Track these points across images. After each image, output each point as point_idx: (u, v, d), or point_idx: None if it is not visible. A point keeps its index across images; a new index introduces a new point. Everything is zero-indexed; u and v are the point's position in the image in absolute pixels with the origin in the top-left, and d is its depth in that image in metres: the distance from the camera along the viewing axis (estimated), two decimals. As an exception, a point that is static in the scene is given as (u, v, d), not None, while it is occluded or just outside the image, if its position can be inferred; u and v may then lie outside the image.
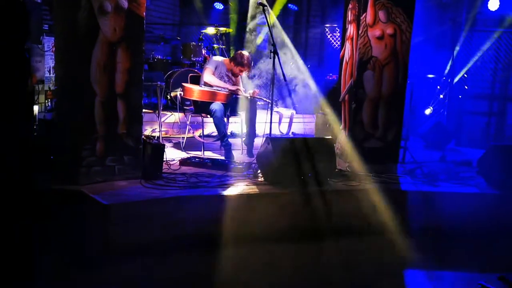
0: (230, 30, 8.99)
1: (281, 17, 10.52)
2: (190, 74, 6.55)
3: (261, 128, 5.80)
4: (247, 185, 4.52)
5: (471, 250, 4.42)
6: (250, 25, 8.80)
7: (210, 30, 8.55)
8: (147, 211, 3.93)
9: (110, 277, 3.49)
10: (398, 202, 4.64)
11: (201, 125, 6.18)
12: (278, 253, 4.06)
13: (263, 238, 4.17)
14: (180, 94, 6.18)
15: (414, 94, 6.33)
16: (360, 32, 5.15)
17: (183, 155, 5.68)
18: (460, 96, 7.97)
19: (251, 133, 5.94)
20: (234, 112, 6.12)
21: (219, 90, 5.71)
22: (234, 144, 5.97)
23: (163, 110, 6.54)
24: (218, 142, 5.96)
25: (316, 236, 4.29)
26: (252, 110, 5.92)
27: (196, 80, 6.23)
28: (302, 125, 7.77)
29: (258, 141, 5.58)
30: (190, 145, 6.17)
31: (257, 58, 8.77)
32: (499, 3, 7.80)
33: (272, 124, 5.15)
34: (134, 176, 4.42)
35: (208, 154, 5.90)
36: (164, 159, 4.78)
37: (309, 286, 3.61)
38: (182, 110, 6.55)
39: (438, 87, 7.86)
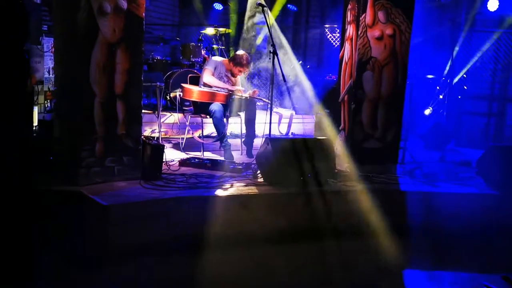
0: (230, 31, 8.99)
1: (281, 18, 10.52)
2: (190, 75, 6.55)
3: (261, 128, 5.80)
4: (246, 185, 4.52)
5: (470, 250, 4.42)
6: (248, 24, 8.80)
7: (210, 31, 8.54)
8: (147, 212, 3.93)
9: (110, 278, 3.50)
10: (398, 203, 4.65)
11: (201, 126, 6.18)
12: (278, 254, 4.06)
13: (262, 239, 4.17)
14: (180, 94, 6.18)
15: (413, 95, 6.33)
16: (359, 32, 5.15)
17: (183, 155, 5.68)
18: (459, 97, 7.97)
19: (251, 134, 5.94)
20: (233, 113, 6.12)
21: (219, 91, 5.71)
22: (233, 144, 5.96)
23: (162, 110, 6.54)
24: (218, 143, 5.96)
25: (316, 237, 4.29)
26: (251, 111, 5.92)
27: (196, 81, 6.22)
28: (301, 126, 7.77)
29: (258, 142, 5.58)
30: (190, 145, 6.17)
31: (257, 58, 8.79)
32: (498, 4, 7.80)
33: (272, 124, 5.15)
34: (133, 176, 4.42)
35: (208, 154, 5.90)
36: (164, 160, 4.78)
37: (310, 286, 3.61)
38: (181, 110, 6.55)
39: (438, 87, 7.86)
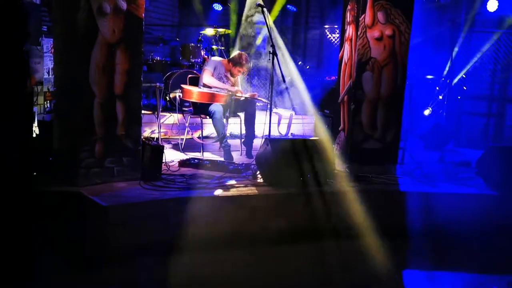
0: (229, 31, 8.99)
1: (280, 18, 10.53)
2: (189, 76, 6.55)
3: (260, 129, 5.80)
4: (246, 186, 4.52)
5: (470, 250, 4.43)
6: (246, 25, 8.80)
7: (209, 31, 8.54)
8: (146, 213, 3.93)
9: (109, 278, 3.50)
10: (397, 203, 4.65)
11: (200, 126, 6.18)
12: (278, 254, 4.06)
13: (262, 239, 4.17)
14: (179, 95, 6.17)
15: (413, 95, 6.33)
16: (359, 33, 5.15)
17: (182, 156, 5.68)
18: (459, 97, 7.97)
19: (250, 134, 5.95)
20: (233, 113, 6.12)
21: (218, 92, 5.71)
22: (233, 145, 5.96)
23: (162, 111, 6.54)
24: (217, 143, 5.96)
25: (316, 237, 4.29)
26: (251, 111, 5.92)
27: (195, 82, 6.22)
28: (301, 126, 7.77)
29: (257, 142, 5.58)
30: (189, 146, 6.17)
31: (256, 59, 8.79)
32: (498, 4, 7.80)
33: (271, 125, 5.15)
34: (133, 177, 4.42)
35: (207, 155, 5.90)
36: (163, 161, 4.78)
37: (310, 286, 3.61)
38: (181, 111, 6.55)
39: (437, 88, 7.86)
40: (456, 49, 7.91)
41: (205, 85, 5.84)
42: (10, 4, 3.67)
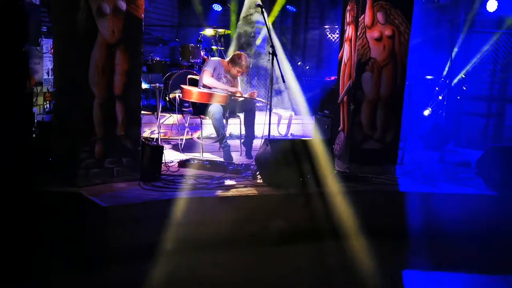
0: (229, 32, 8.99)
1: (280, 19, 10.53)
2: (189, 76, 6.55)
3: (260, 129, 5.80)
4: (246, 186, 4.52)
5: (470, 250, 4.42)
6: (244, 24, 8.81)
7: (209, 32, 8.55)
8: (146, 213, 3.93)
9: (109, 278, 3.49)
10: (397, 204, 4.65)
11: (200, 127, 6.18)
12: (278, 254, 4.06)
13: (262, 240, 4.17)
14: (179, 96, 6.17)
15: (412, 96, 6.33)
16: (358, 33, 5.15)
17: (182, 156, 5.68)
18: (458, 97, 7.98)
19: (250, 135, 5.95)
20: (232, 114, 6.12)
21: (218, 92, 5.71)
22: (232, 145, 5.96)
23: (161, 111, 6.54)
24: (217, 144, 5.96)
25: (315, 237, 4.29)
26: (250, 112, 5.92)
27: (195, 82, 6.22)
28: (301, 127, 7.78)
29: (257, 143, 5.58)
30: (189, 146, 6.17)
31: (256, 59, 8.79)
32: (497, 5, 7.80)
33: (271, 125, 5.15)
34: (132, 178, 4.42)
35: (207, 155, 5.90)
36: (163, 161, 4.78)
37: (310, 286, 3.62)
38: (180, 111, 6.55)
39: (437, 88, 7.87)
40: (455, 49, 7.91)
41: (204, 86, 5.84)
42: (10, 4, 3.68)
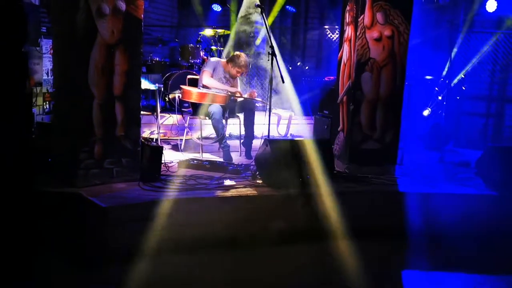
0: (228, 32, 9.00)
1: (279, 19, 10.54)
2: (188, 76, 6.56)
3: (260, 129, 5.80)
4: (245, 187, 4.52)
5: (469, 251, 4.42)
6: (242, 24, 8.82)
7: (208, 32, 8.55)
8: (145, 214, 3.93)
9: (108, 279, 3.49)
10: (396, 204, 4.65)
11: (199, 127, 6.18)
12: (278, 255, 4.06)
13: (262, 240, 4.17)
14: (179, 96, 6.17)
15: (412, 96, 6.34)
16: (358, 33, 5.15)
17: (182, 157, 5.68)
18: (458, 97, 7.98)
19: (250, 135, 5.94)
20: (232, 114, 6.12)
21: (218, 92, 5.71)
22: (232, 146, 5.96)
23: (161, 112, 6.54)
24: (217, 144, 5.96)
25: (315, 238, 4.29)
26: (250, 112, 5.92)
27: (194, 82, 6.23)
28: (300, 127, 7.78)
29: (257, 143, 5.58)
30: (189, 147, 6.17)
31: (256, 59, 8.80)
32: (496, 5, 7.81)
33: (271, 125, 5.15)
34: (132, 178, 4.42)
35: (207, 156, 5.90)
36: (162, 161, 4.78)
37: (310, 286, 3.62)
38: (180, 112, 6.55)
39: (436, 88, 7.87)
40: (455, 49, 7.91)
41: (204, 86, 5.84)
42: (9, 5, 3.67)
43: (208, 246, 3.98)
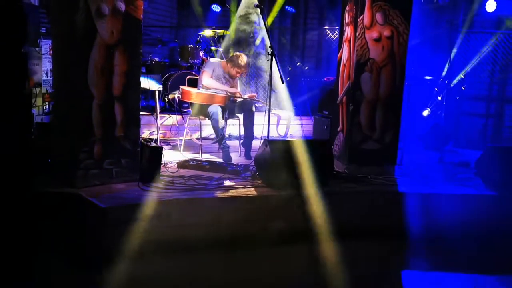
0: (228, 33, 9.00)
1: (279, 19, 10.54)
2: (188, 77, 6.56)
3: (259, 130, 5.80)
4: (245, 187, 4.52)
5: (469, 251, 4.42)
6: (239, 22, 8.82)
7: (208, 33, 8.55)
8: (145, 214, 3.92)
9: (108, 279, 3.49)
10: (396, 204, 4.65)
11: (199, 128, 6.18)
12: (278, 255, 4.06)
13: (261, 240, 4.17)
14: (178, 96, 6.17)
15: (411, 96, 6.34)
16: (357, 34, 5.15)
17: (181, 157, 5.68)
18: (457, 98, 7.99)
19: (249, 135, 5.94)
20: (232, 114, 6.12)
21: (217, 93, 5.71)
22: (232, 146, 5.96)
23: (160, 112, 6.54)
24: (216, 145, 5.96)
25: (314, 238, 4.29)
26: (250, 113, 5.92)
27: (194, 83, 6.23)
28: (300, 127, 7.78)
29: (256, 144, 5.58)
30: (188, 147, 6.17)
31: (255, 59, 8.81)
32: (496, 5, 7.81)
33: (270, 126, 5.15)
34: (131, 179, 4.42)
35: (206, 156, 5.90)
36: (162, 162, 4.78)
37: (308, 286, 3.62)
38: (179, 112, 6.54)
39: (436, 89, 7.87)
40: (454, 50, 7.91)
41: (204, 87, 5.84)
42: (9, 5, 3.67)
43: (208, 247, 3.97)
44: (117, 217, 3.79)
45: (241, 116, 6.04)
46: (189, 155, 5.85)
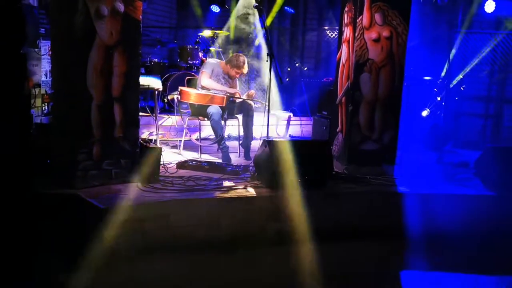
0: (227, 33, 9.01)
1: (278, 20, 10.55)
2: (187, 77, 6.56)
3: (258, 130, 5.80)
4: (244, 188, 4.52)
5: (469, 251, 4.42)
6: (238, 25, 8.83)
7: (207, 33, 8.55)
8: (144, 215, 3.93)
9: (107, 280, 3.49)
10: (395, 205, 4.65)
11: (198, 128, 6.18)
12: (278, 255, 4.06)
13: (261, 241, 4.17)
14: (177, 97, 6.17)
15: (410, 96, 6.34)
16: (356, 34, 5.16)
17: (180, 158, 5.68)
18: (456, 98, 7.99)
19: (248, 136, 5.94)
20: (231, 115, 6.12)
21: (216, 93, 5.71)
22: (231, 147, 5.96)
23: (160, 113, 6.54)
24: (215, 145, 5.96)
25: (314, 238, 4.29)
26: (249, 113, 5.92)
27: (193, 83, 6.23)
28: (299, 128, 7.78)
29: (255, 144, 5.58)
30: (187, 148, 6.16)
31: (254, 60, 8.81)
32: (495, 5, 7.82)
33: (269, 126, 5.15)
34: (131, 179, 4.41)
35: (205, 157, 5.90)
36: (161, 163, 4.78)
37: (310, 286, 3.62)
38: (179, 113, 6.55)
39: (435, 89, 7.88)
40: (453, 50, 7.92)
41: (203, 87, 5.84)
42: (8, 6, 3.67)
43: (207, 247, 3.97)
44: (117, 218, 3.78)
45: (240, 116, 6.04)
46: (188, 156, 5.85)
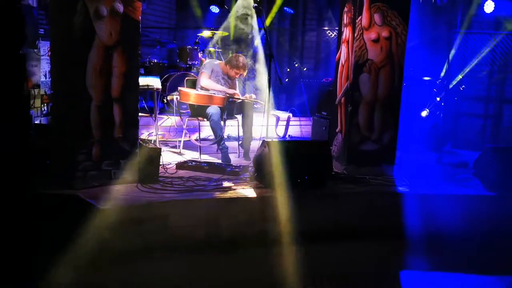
0: (226, 34, 9.01)
1: (277, 20, 10.56)
2: (187, 78, 6.56)
3: (258, 131, 5.80)
4: (244, 188, 4.52)
5: (468, 251, 4.42)
6: (237, 25, 8.83)
7: (206, 33, 8.56)
8: (144, 215, 3.92)
9: (107, 280, 3.49)
10: (394, 205, 4.65)
11: (198, 129, 6.18)
12: (277, 256, 4.06)
13: (260, 241, 4.17)
14: (177, 98, 6.17)
15: (410, 97, 6.34)
16: (355, 35, 5.16)
17: (180, 158, 5.68)
18: (456, 98, 8.00)
19: (248, 136, 5.94)
20: (230, 115, 6.12)
21: (216, 94, 5.71)
22: (230, 147, 5.96)
23: (159, 113, 6.54)
24: (215, 146, 5.96)
25: (314, 238, 4.29)
26: (248, 113, 5.92)
27: (193, 84, 6.23)
28: (298, 128, 7.79)
29: (255, 144, 5.58)
30: (187, 148, 6.16)
31: (254, 60, 8.81)
32: (494, 6, 7.83)
33: (269, 127, 5.15)
34: (130, 180, 4.41)
35: (205, 157, 5.90)
36: (161, 163, 4.78)
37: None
38: (178, 113, 6.55)
39: (434, 89, 7.88)
40: (453, 50, 7.93)
41: (202, 88, 5.84)
42: (8, 6, 3.68)
43: (207, 247, 3.97)
44: (116, 218, 3.78)
45: (239, 117, 6.04)
46: (188, 156, 5.85)
